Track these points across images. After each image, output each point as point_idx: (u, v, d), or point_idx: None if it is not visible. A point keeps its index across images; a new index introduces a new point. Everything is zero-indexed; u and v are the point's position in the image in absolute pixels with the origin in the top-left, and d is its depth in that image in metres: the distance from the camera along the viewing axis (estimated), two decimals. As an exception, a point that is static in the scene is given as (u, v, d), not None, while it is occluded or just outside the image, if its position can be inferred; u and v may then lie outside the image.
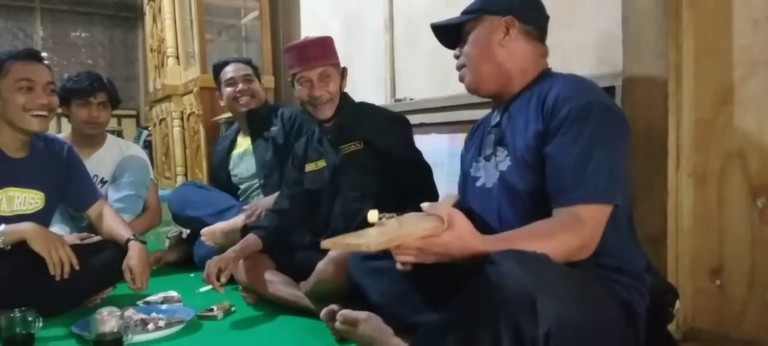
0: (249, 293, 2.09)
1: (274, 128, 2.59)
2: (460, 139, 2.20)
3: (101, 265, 2.07)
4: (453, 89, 2.34)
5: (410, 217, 1.09)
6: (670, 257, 1.51)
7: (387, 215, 1.00)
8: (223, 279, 1.89)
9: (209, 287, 1.90)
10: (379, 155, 1.91)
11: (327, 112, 1.96)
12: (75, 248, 2.00)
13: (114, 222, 2.18)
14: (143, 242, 2.12)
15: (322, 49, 1.95)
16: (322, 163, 2.06)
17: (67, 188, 2.16)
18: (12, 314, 1.67)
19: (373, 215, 0.99)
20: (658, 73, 1.48)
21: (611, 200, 1.13)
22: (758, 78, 1.36)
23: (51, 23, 6.89)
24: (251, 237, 2.02)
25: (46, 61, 2.06)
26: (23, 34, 6.71)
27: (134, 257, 2.03)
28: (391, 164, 1.91)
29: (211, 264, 1.90)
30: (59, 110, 2.28)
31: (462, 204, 1.40)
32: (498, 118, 1.35)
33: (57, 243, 1.90)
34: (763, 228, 1.37)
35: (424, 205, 1.06)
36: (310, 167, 2.10)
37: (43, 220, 2.07)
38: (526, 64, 1.32)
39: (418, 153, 2.02)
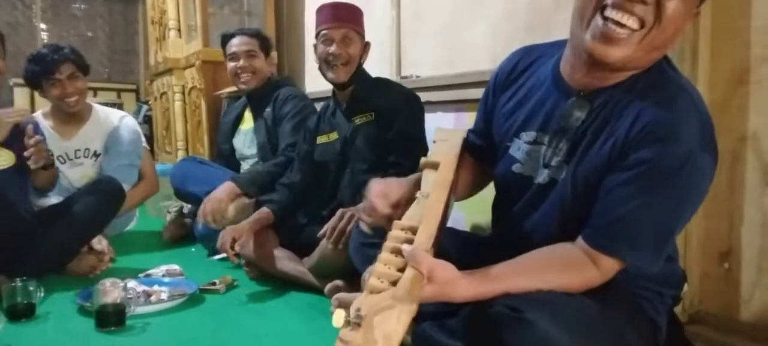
0: (251, 268, 2.09)
1: (267, 109, 2.57)
2: (467, 117, 2.18)
3: (85, 214, 2.12)
4: (460, 67, 2.31)
5: (379, 301, 0.89)
6: (679, 239, 1.48)
7: (353, 316, 0.85)
8: (237, 249, 1.91)
9: (223, 255, 1.90)
10: (389, 128, 1.91)
11: (341, 75, 1.95)
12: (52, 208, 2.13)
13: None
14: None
15: (352, 13, 1.99)
16: (334, 136, 2.06)
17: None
18: (13, 284, 1.67)
19: (338, 319, 0.85)
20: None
21: (643, 266, 1.01)
22: (776, 59, 1.34)
23: (50, -6, 6.80)
24: (264, 210, 2.03)
25: None
26: (22, 5, 6.62)
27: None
28: (396, 138, 1.90)
29: (226, 234, 1.92)
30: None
31: (473, 146, 1.28)
32: (574, 115, 1.05)
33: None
34: (774, 212, 1.36)
35: (406, 249, 0.92)
36: (321, 140, 2.11)
37: (16, 178, 2.08)
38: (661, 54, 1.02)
39: (423, 135, 2.00)
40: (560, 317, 0.89)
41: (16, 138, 2.08)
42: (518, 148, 1.15)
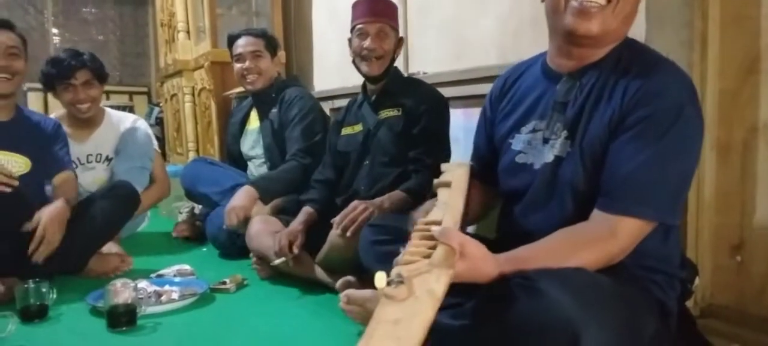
0: (262, 267, 2.09)
1: (273, 110, 2.57)
2: (475, 113, 2.16)
3: (101, 218, 2.15)
4: (467, 62, 2.30)
5: (417, 267, 0.92)
6: (690, 231, 1.48)
7: (395, 276, 0.87)
8: (296, 250, 1.91)
9: (282, 259, 1.91)
10: (414, 125, 1.93)
11: (375, 69, 1.98)
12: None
13: (63, 186, 2.15)
14: (67, 204, 2.06)
15: (387, 8, 2.02)
16: (358, 128, 2.08)
17: (46, 156, 2.17)
18: (26, 285, 1.69)
19: (380, 280, 0.87)
20: (682, 42, 1.44)
21: (663, 220, 1.04)
22: (787, 47, 1.32)
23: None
24: (308, 210, 2.04)
25: (14, 30, 2.10)
26: (34, 10, 6.68)
27: (49, 210, 1.96)
28: (420, 134, 1.91)
29: (282, 237, 1.93)
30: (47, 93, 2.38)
31: (479, 170, 1.33)
32: (565, 92, 1.14)
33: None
34: (787, 203, 1.34)
35: (435, 229, 0.96)
36: (346, 131, 2.13)
37: (30, 185, 2.08)
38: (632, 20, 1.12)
39: (447, 136, 2.01)
40: (571, 286, 0.90)
41: (32, 141, 2.10)
42: (519, 141, 1.21)
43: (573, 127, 1.11)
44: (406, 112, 1.96)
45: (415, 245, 0.97)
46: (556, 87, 1.15)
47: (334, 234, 1.79)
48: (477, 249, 0.96)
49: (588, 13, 1.06)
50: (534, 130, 1.18)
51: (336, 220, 1.78)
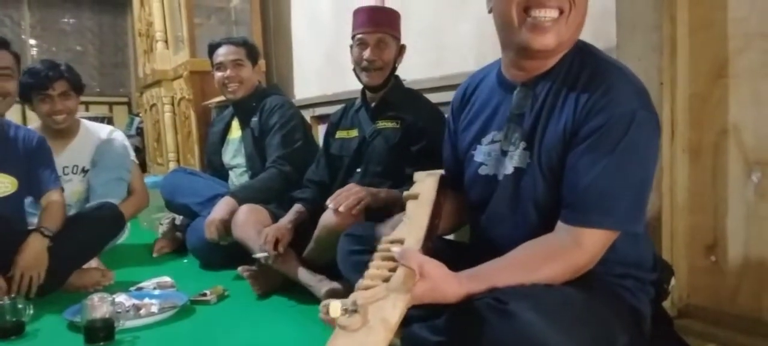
0: (257, 283, 2.02)
1: (254, 119, 2.57)
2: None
3: (84, 239, 2.14)
4: (446, 69, 2.32)
5: (374, 294, 0.91)
6: (665, 233, 1.49)
7: (349, 305, 0.86)
8: (281, 249, 1.89)
9: (265, 253, 1.89)
10: (412, 141, 1.91)
11: (375, 78, 1.97)
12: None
13: (47, 211, 2.12)
14: (48, 236, 2.01)
15: (388, 17, 2.00)
16: (354, 133, 2.07)
17: (32, 176, 2.14)
18: (1, 302, 1.66)
19: (335, 309, 0.86)
20: (652, 46, 1.46)
21: (625, 229, 1.04)
22: (754, 51, 1.34)
23: (39, 10, 6.78)
24: (298, 207, 2.03)
25: (8, 48, 2.06)
26: (10, 21, 6.61)
27: (23, 250, 1.94)
28: (421, 154, 1.88)
29: (270, 232, 1.91)
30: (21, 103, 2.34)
31: (451, 179, 1.33)
32: (520, 103, 1.14)
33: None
34: (758, 203, 1.36)
35: (395, 250, 0.95)
36: (340, 134, 2.12)
37: (16, 205, 2.08)
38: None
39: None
40: (543, 307, 0.90)
41: (18, 160, 2.08)
42: (481, 152, 1.21)
43: (530, 139, 1.11)
44: (405, 127, 1.94)
45: (376, 265, 0.97)
46: (512, 96, 1.16)
47: (326, 213, 1.77)
48: (437, 270, 0.95)
49: (542, 28, 1.06)
50: (493, 142, 1.18)
51: (330, 197, 1.77)
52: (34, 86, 2.42)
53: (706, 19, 1.42)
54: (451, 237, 1.91)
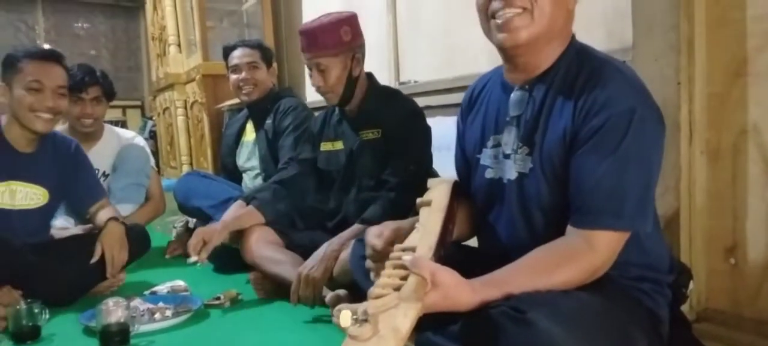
0: (260, 286, 2.02)
1: (268, 121, 2.57)
2: (466, 120, 2.16)
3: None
4: (458, 70, 2.31)
5: (385, 303, 0.89)
6: (684, 236, 1.47)
7: (360, 314, 0.85)
8: (204, 254, 1.86)
9: (195, 258, 1.87)
10: (394, 147, 1.88)
11: (332, 100, 1.95)
12: (76, 239, 2.07)
13: (105, 212, 2.17)
14: (124, 225, 2.11)
15: (320, 38, 1.86)
16: (339, 145, 2.03)
17: (73, 186, 2.17)
18: (18, 307, 1.67)
19: (345, 318, 0.85)
20: (669, 46, 1.44)
21: (635, 228, 1.03)
22: (773, 49, 1.32)
23: (52, 15, 6.86)
24: (247, 210, 1.99)
25: (61, 63, 2.06)
26: (25, 26, 6.69)
27: (106, 235, 2.03)
28: (402, 156, 1.87)
29: (196, 235, 1.89)
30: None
31: (463, 184, 1.31)
32: (517, 105, 1.14)
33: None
34: (778, 204, 1.34)
35: (406, 258, 0.94)
36: (326, 147, 2.08)
37: (44, 217, 2.11)
38: (570, 22, 1.12)
39: (421, 153, 1.94)
40: (560, 315, 0.89)
41: (53, 173, 2.09)
42: (486, 156, 1.21)
43: (530, 142, 1.10)
44: (385, 134, 1.90)
45: (387, 274, 0.95)
46: (510, 98, 1.16)
47: (345, 257, 1.70)
48: (450, 277, 0.93)
49: (509, 25, 1.06)
50: (495, 145, 1.18)
51: (291, 288, 1.74)
52: (70, 88, 2.46)
53: (723, 17, 1.40)
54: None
